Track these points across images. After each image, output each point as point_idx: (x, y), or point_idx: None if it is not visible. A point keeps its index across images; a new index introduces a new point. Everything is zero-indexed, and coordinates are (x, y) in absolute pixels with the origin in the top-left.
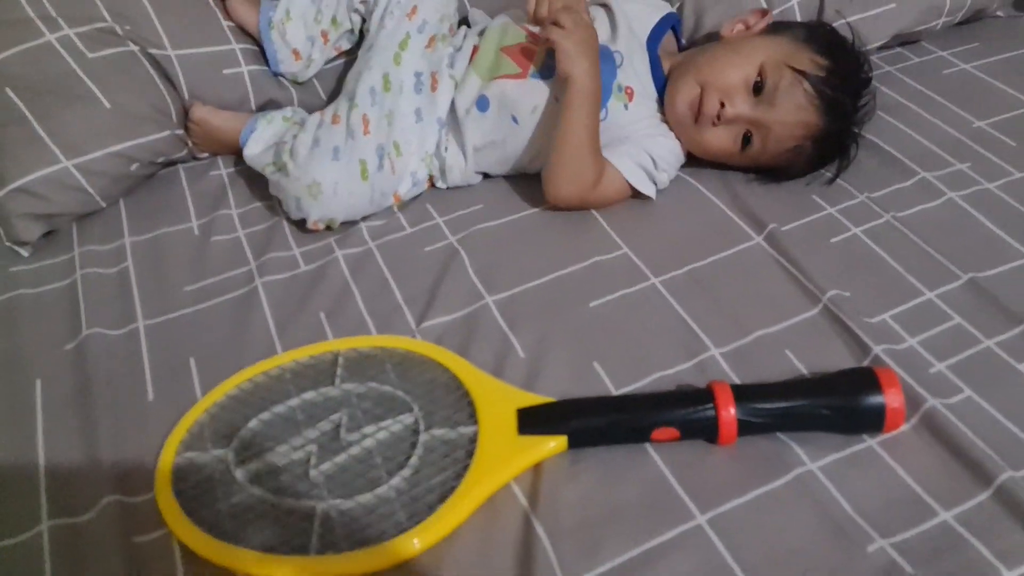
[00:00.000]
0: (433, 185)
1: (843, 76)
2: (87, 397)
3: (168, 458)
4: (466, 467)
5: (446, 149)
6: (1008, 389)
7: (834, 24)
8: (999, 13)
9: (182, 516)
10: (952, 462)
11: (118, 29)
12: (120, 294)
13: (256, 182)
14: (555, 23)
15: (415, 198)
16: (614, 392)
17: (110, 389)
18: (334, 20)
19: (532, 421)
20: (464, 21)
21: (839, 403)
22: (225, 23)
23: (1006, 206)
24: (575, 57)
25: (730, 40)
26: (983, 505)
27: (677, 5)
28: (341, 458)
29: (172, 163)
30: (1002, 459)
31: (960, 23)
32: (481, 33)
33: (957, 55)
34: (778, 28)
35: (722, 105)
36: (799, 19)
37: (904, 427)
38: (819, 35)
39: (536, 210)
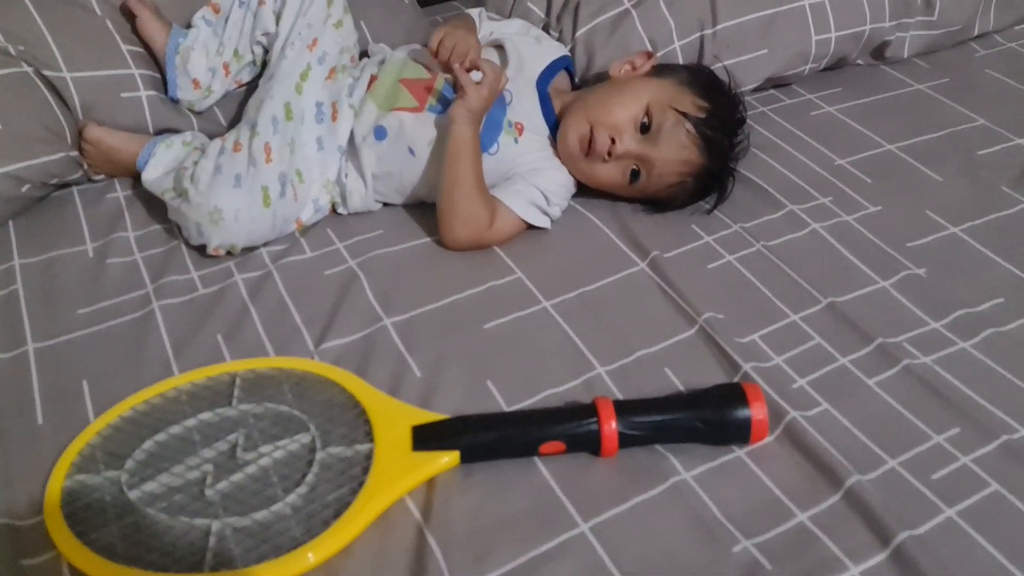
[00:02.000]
0: (335, 211)
1: (721, 117)
2: None
3: (58, 481)
4: (362, 483)
5: (346, 176)
6: (859, 402)
7: (712, 67)
8: (859, 62)
9: (72, 538)
10: (809, 468)
11: (11, 50)
12: (8, 317)
13: (154, 205)
14: (475, 67)
15: (316, 224)
16: (506, 409)
17: None
18: (236, 53)
19: (426, 437)
20: (365, 53)
21: (710, 416)
22: (125, 47)
23: (862, 237)
24: (473, 116)
25: (618, 80)
26: (834, 507)
27: (570, 46)
28: (237, 477)
29: (66, 185)
30: (851, 464)
31: (825, 69)
32: (381, 63)
33: (823, 98)
34: (662, 70)
35: (612, 142)
36: (681, 61)
37: (769, 438)
38: (700, 79)
39: (434, 237)
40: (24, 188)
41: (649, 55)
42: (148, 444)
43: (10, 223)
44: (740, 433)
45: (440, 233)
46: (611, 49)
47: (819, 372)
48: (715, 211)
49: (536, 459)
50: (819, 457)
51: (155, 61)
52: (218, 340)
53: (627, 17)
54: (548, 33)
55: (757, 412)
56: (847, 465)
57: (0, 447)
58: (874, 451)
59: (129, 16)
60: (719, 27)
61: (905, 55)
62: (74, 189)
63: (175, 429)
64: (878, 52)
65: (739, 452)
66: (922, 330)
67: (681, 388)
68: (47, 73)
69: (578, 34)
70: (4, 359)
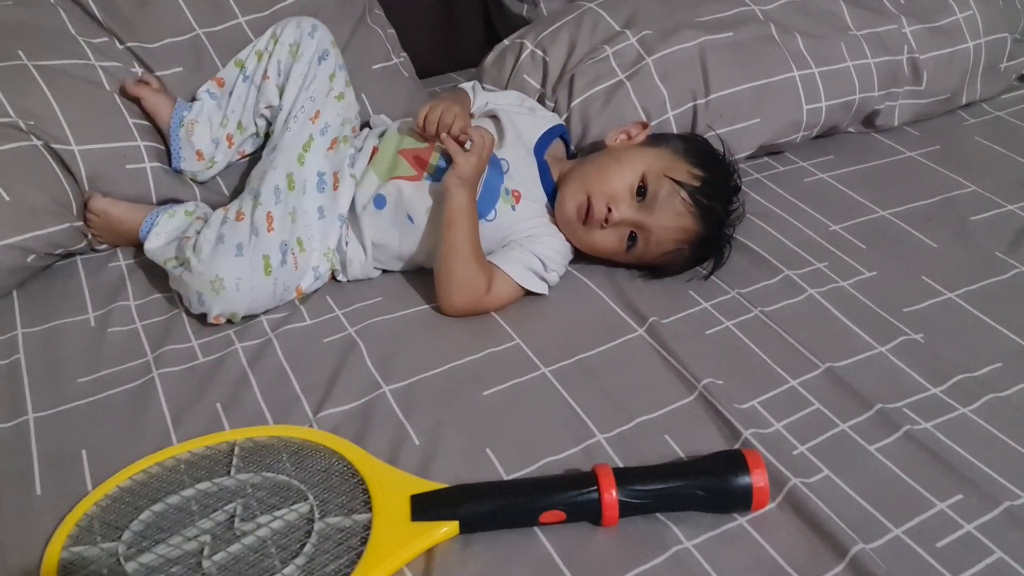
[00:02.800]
0: (334, 279)
1: (715, 186)
2: None
3: (54, 553)
4: (360, 554)
5: (346, 244)
6: (861, 468)
7: (706, 136)
8: (850, 129)
9: None
10: (812, 536)
11: (22, 124)
12: (9, 386)
13: (156, 274)
14: (465, 136)
15: (316, 291)
16: (505, 477)
17: None
18: (239, 125)
19: (425, 507)
20: (367, 124)
21: (711, 484)
22: (131, 120)
23: (857, 302)
24: (466, 181)
25: (614, 150)
26: None
27: (565, 115)
28: (235, 548)
29: (70, 254)
30: (855, 533)
31: (817, 137)
32: (381, 135)
33: (816, 166)
34: (657, 140)
35: (609, 210)
36: (675, 131)
37: (770, 505)
38: (694, 148)
39: (432, 304)
40: (29, 258)
41: (644, 125)
42: (146, 515)
43: (14, 292)
44: (741, 501)
45: (438, 300)
46: (606, 119)
47: (819, 438)
48: (712, 277)
49: (536, 529)
50: (822, 525)
51: (160, 133)
52: (217, 408)
53: (621, 88)
54: (544, 104)
55: (758, 479)
56: (850, 533)
57: None
58: (877, 519)
59: (133, 97)
60: (711, 97)
61: (895, 123)
62: (78, 258)
63: (173, 499)
64: (869, 120)
65: (740, 520)
66: (922, 395)
67: (681, 455)
68: (55, 146)
69: (573, 104)
70: (5, 428)
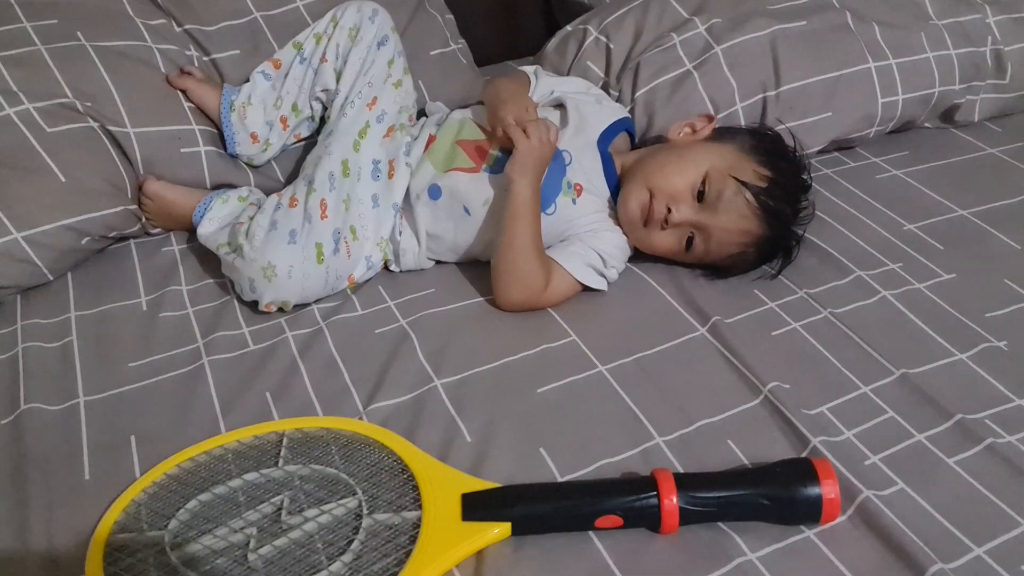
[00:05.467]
0: (387, 269)
1: (783, 186)
2: (21, 475)
3: (101, 539)
4: (408, 553)
5: (400, 233)
6: (938, 482)
7: (775, 129)
8: (927, 125)
9: None
10: (886, 554)
11: (79, 105)
12: (61, 369)
13: (208, 259)
14: (524, 130)
15: (368, 281)
16: (559, 478)
17: (45, 467)
18: (294, 107)
19: (476, 507)
20: (423, 112)
21: (778, 493)
22: (186, 104)
23: (935, 306)
24: (526, 169)
25: (677, 145)
26: None
27: (629, 106)
28: (281, 542)
29: (124, 238)
30: (933, 551)
31: (892, 132)
32: (439, 124)
33: (889, 162)
34: (723, 134)
35: (669, 210)
36: (743, 123)
37: (841, 518)
38: (762, 144)
39: (487, 297)
40: (84, 240)
41: (710, 118)
42: (192, 504)
43: (68, 275)
44: (810, 512)
45: (494, 293)
46: (671, 110)
47: (893, 448)
48: (779, 276)
49: (591, 533)
50: (896, 541)
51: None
52: (266, 397)
53: (688, 78)
54: (608, 92)
55: (828, 490)
56: (928, 551)
57: (47, 502)
58: (957, 537)
59: (178, 90)
60: (782, 89)
61: (976, 118)
62: (131, 242)
63: (219, 489)
64: (947, 115)
65: (808, 532)
66: (1006, 407)
67: (745, 462)
68: (111, 128)
69: (638, 95)
70: (56, 411)
